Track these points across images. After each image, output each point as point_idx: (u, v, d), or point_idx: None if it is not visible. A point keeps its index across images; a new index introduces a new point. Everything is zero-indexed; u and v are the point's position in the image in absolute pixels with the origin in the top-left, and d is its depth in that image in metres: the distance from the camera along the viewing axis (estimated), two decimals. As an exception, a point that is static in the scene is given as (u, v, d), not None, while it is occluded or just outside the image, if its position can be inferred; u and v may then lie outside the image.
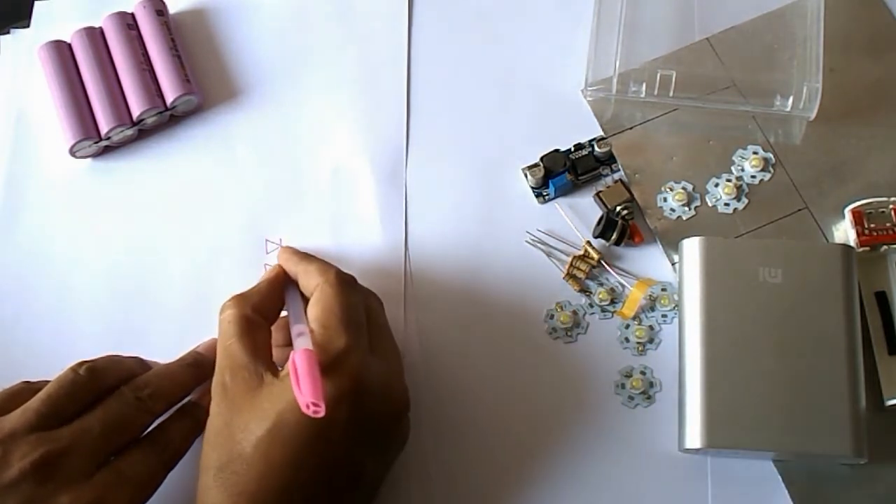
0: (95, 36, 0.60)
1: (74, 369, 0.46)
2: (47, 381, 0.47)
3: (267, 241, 0.57)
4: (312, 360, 0.42)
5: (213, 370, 0.52)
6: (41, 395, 0.45)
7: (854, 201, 0.53)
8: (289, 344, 0.47)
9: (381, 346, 0.48)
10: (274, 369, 0.45)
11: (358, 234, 0.56)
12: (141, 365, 0.50)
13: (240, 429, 0.43)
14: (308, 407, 0.41)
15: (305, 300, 0.49)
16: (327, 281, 0.47)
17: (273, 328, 0.49)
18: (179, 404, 0.50)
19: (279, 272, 0.51)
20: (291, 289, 0.51)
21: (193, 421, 0.49)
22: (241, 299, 0.48)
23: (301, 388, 0.41)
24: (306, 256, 0.51)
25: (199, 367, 0.51)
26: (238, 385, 0.45)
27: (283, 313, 0.51)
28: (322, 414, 0.41)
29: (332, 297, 0.46)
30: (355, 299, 0.48)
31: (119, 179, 0.59)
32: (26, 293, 0.57)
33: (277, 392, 0.44)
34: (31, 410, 0.44)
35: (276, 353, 0.48)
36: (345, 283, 0.48)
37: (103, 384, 0.47)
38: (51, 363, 0.48)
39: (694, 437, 0.47)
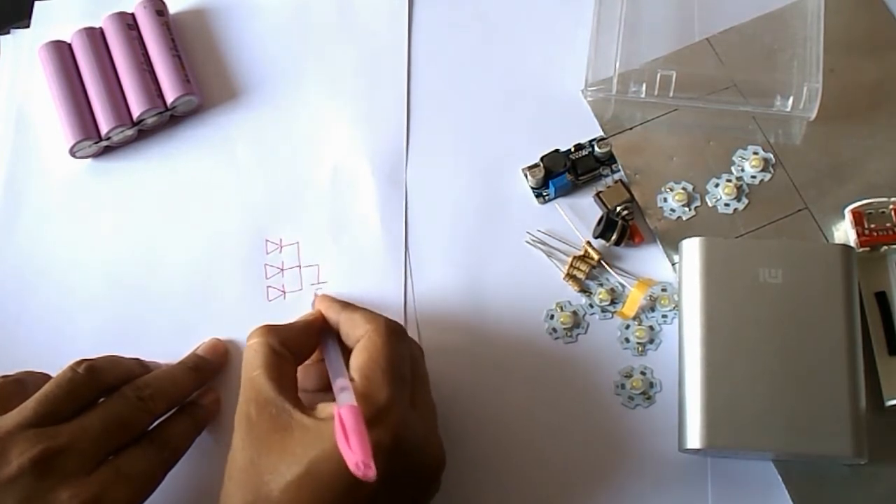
0: (95, 36, 0.60)
1: (73, 368, 0.46)
2: (42, 373, 0.47)
3: (267, 241, 0.57)
4: (360, 417, 0.41)
5: (213, 373, 0.52)
6: (40, 393, 0.45)
7: (854, 201, 0.52)
8: (319, 389, 0.46)
9: (421, 400, 0.47)
10: (303, 408, 0.44)
11: (358, 234, 0.56)
12: (140, 366, 0.50)
13: (268, 470, 0.42)
14: (358, 467, 0.39)
15: (345, 351, 0.47)
16: (376, 330, 0.46)
17: (301, 371, 0.48)
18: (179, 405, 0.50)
19: (318, 317, 0.50)
20: (331, 341, 0.49)
21: (193, 421, 0.50)
22: (268, 330, 0.47)
23: (351, 446, 0.40)
24: (348, 305, 0.49)
25: (200, 370, 0.51)
26: (265, 421, 0.43)
27: (308, 362, 0.49)
28: (373, 476, 0.39)
29: (380, 348, 0.45)
30: (402, 350, 0.46)
31: (119, 179, 0.59)
32: (26, 293, 0.57)
33: (311, 437, 0.42)
34: (29, 408, 0.44)
35: (305, 398, 0.46)
36: (393, 333, 0.46)
37: (102, 383, 0.47)
38: (51, 363, 0.48)
39: (694, 437, 0.47)
